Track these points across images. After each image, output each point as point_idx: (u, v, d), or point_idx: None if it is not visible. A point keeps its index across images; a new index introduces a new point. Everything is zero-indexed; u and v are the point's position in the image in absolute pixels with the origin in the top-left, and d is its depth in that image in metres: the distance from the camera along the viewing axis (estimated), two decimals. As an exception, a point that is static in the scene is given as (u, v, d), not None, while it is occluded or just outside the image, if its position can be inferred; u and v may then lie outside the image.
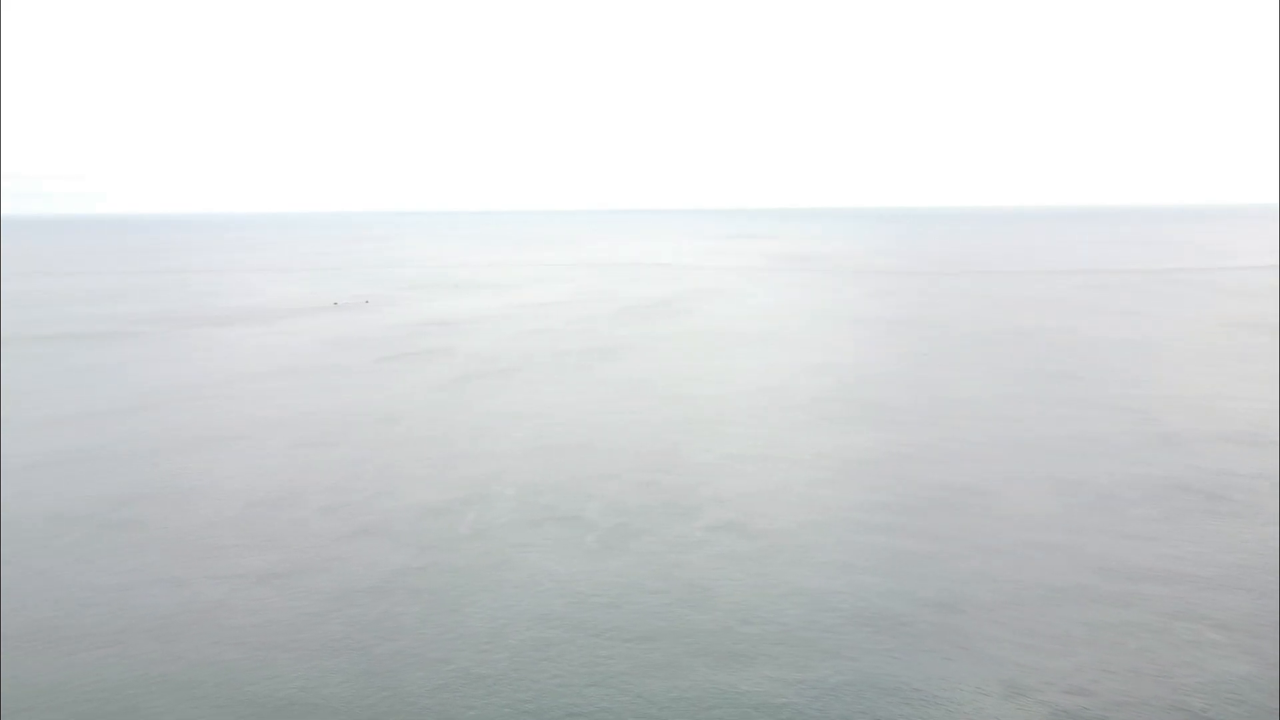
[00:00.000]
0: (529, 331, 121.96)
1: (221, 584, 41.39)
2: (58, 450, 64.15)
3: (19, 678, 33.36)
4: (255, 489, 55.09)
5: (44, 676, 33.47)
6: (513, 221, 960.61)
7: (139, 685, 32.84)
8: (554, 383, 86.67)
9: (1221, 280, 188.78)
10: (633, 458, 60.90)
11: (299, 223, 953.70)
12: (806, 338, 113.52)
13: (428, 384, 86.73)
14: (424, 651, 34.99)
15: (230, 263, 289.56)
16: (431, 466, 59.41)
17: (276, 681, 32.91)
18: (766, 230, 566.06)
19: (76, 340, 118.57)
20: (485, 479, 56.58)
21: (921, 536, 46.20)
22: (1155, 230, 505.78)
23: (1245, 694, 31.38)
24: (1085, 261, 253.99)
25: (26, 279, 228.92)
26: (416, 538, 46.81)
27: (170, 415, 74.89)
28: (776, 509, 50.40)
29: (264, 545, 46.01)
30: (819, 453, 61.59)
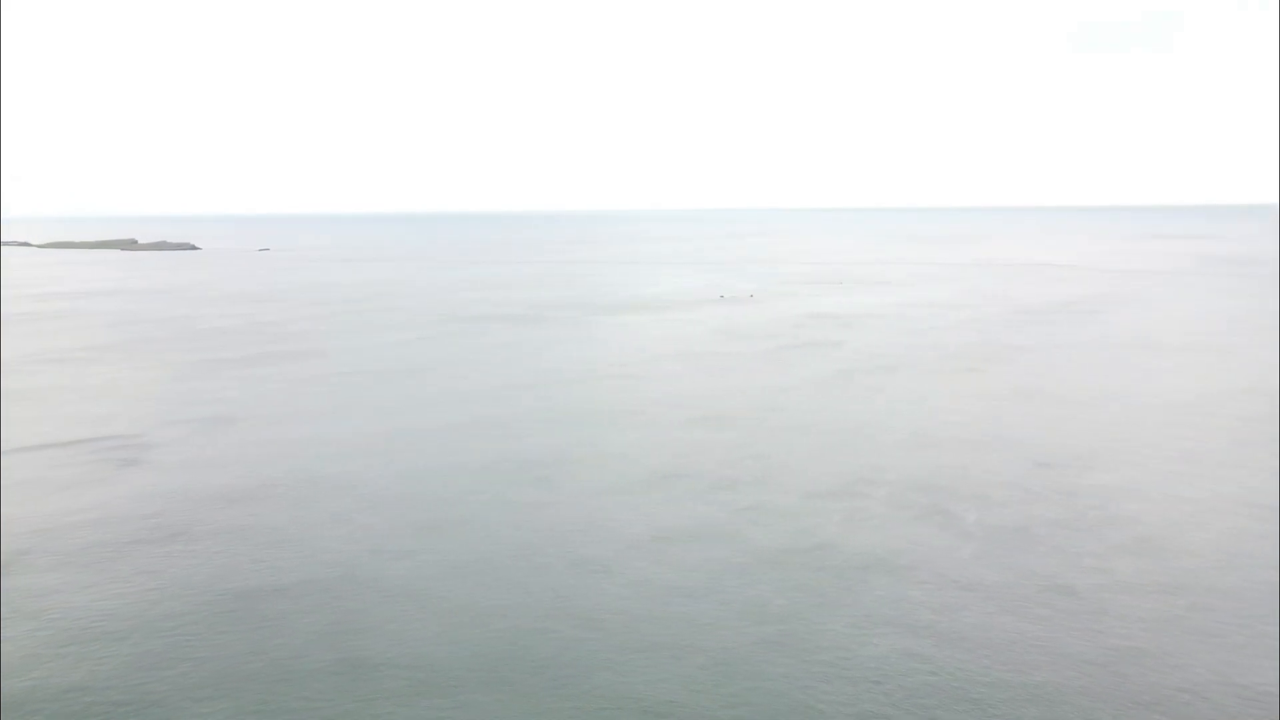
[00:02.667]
0: (916, 329, 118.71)
1: (601, 552, 44.81)
2: (478, 417, 73.00)
3: (419, 609, 38.55)
4: (645, 463, 58.97)
5: (458, 619, 38.39)
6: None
7: (523, 637, 36.56)
8: (940, 383, 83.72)
9: None
10: (1020, 467, 57.23)
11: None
12: (1240, 352, 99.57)
13: (810, 376, 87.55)
14: (785, 645, 35.40)
15: (611, 256, 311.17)
16: (809, 455, 59.98)
17: (646, 648, 35.12)
18: (1174, 230, 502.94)
19: (496, 322, 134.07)
20: (861, 472, 56.09)
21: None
22: None
23: None
24: None
25: (439, 270, 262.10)
26: (789, 525, 47.52)
27: (574, 391, 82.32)
28: (1192, 551, 44.77)
29: (648, 516, 49.15)
30: (1248, 488, 53.85)
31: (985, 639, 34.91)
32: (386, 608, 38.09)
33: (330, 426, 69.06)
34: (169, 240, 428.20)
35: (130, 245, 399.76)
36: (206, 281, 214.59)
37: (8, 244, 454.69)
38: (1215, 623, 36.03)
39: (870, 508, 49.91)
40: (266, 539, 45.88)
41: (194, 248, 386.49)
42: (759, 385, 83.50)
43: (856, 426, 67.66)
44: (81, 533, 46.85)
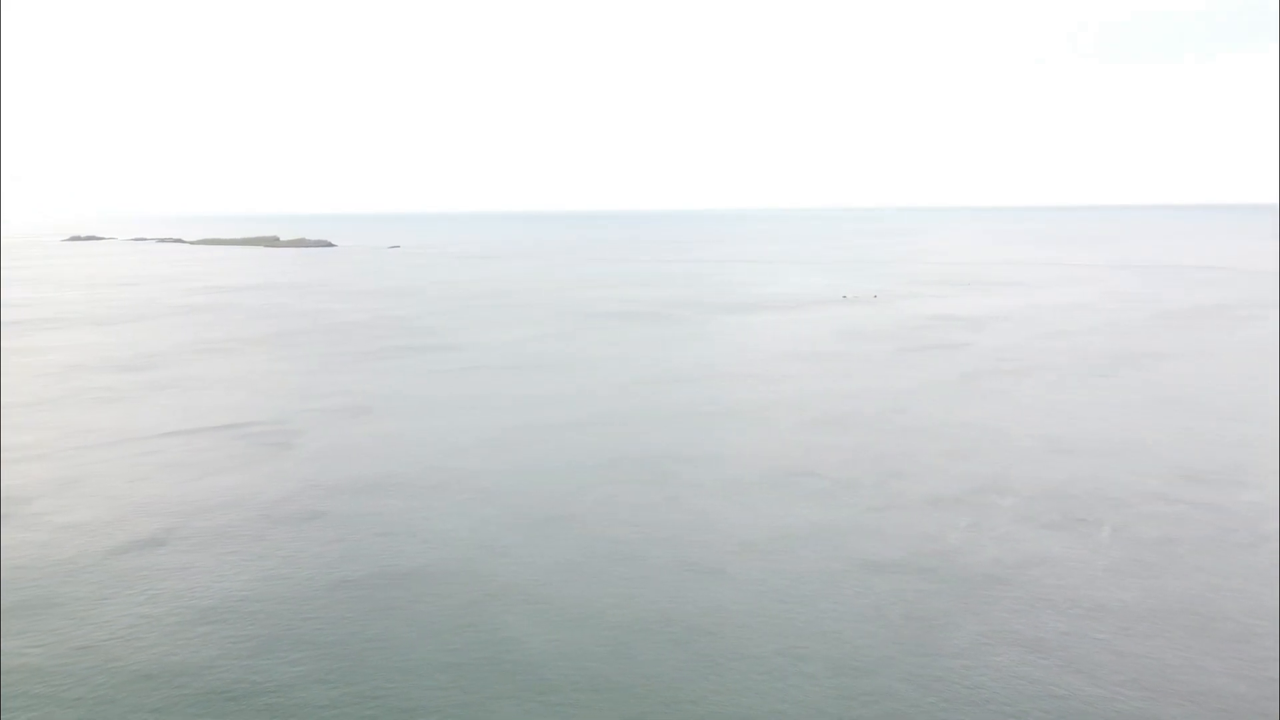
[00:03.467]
0: (1049, 332, 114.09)
1: (717, 552, 44.49)
2: (600, 413, 73.64)
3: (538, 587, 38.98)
4: (765, 463, 58.35)
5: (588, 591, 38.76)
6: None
7: (633, 639, 36.58)
8: (1073, 387, 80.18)
9: None
10: (1162, 480, 54.21)
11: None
12: None
13: (936, 378, 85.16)
14: (903, 658, 34.39)
15: (732, 255, 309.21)
16: (933, 459, 58.29)
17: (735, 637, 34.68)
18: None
19: (618, 319, 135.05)
20: (987, 479, 54.18)
21: None
22: None
23: None
24: None
25: (563, 267, 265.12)
26: (910, 531, 46.27)
27: (695, 389, 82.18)
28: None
29: (765, 517, 48.61)
30: None
31: (1118, 664, 33.19)
32: (498, 604, 38.69)
33: (457, 419, 70.89)
34: (307, 238, 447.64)
35: (273, 242, 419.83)
36: (342, 277, 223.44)
37: (161, 240, 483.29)
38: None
39: (997, 516, 48.16)
40: (390, 528, 47.37)
41: (330, 245, 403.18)
42: (882, 387, 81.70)
43: (984, 431, 65.44)
44: (223, 514, 49.35)
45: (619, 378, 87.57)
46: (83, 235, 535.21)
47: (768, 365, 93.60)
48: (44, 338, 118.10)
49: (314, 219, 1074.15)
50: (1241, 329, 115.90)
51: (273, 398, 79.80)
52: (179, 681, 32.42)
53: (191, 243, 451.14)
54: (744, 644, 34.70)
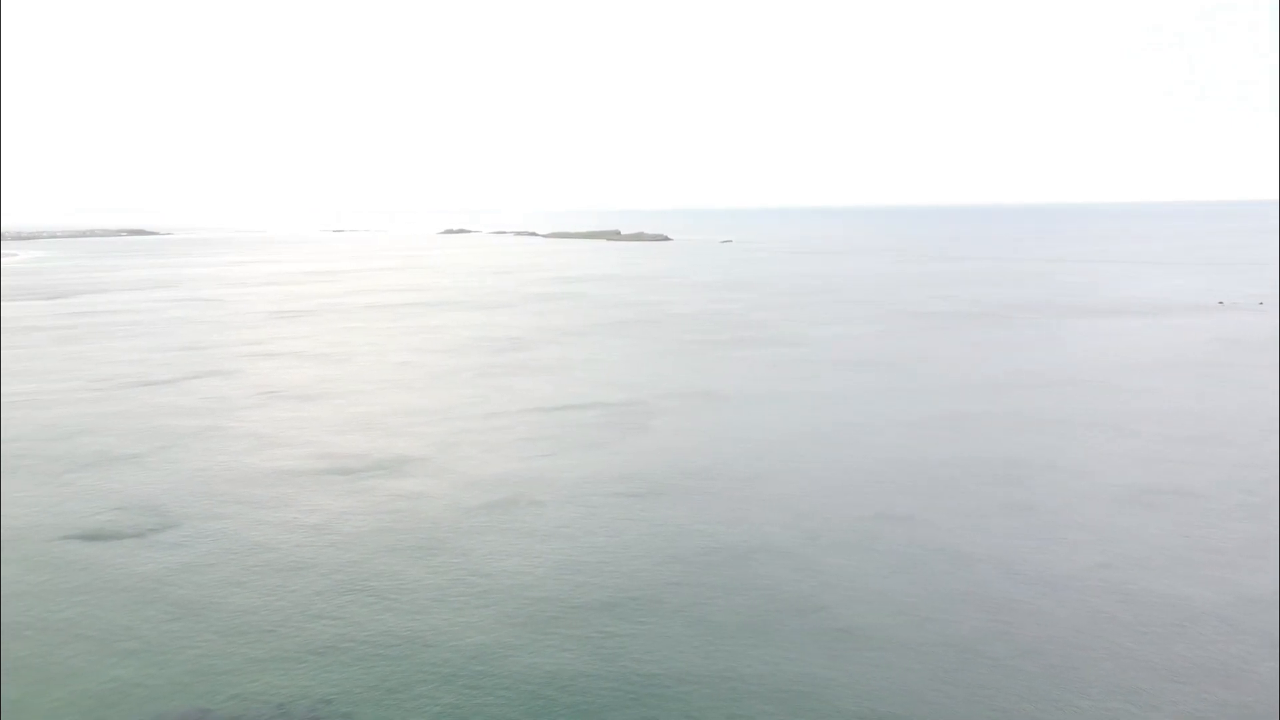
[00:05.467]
0: None
1: (1054, 570, 41.92)
2: (936, 415, 71.53)
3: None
4: (1117, 478, 54.03)
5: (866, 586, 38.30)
6: None
7: (952, 664, 35.36)
8: None
9: None
10: None
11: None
12: None
13: (1338, 399, 74.27)
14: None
15: (1083, 254, 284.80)
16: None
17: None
18: None
19: (958, 319, 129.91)
20: None
21: None
22: None
23: None
24: None
25: (894, 264, 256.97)
26: (1248, 566, 41.09)
27: (1041, 395, 77.53)
28: None
29: (1113, 537, 45.17)
30: None
31: None
32: (793, 612, 38.37)
33: (788, 412, 72.03)
34: (645, 232, 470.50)
35: (614, 236, 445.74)
36: (679, 270, 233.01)
37: (518, 234, 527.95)
38: None
39: None
40: (710, 517, 48.89)
41: (666, 239, 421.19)
42: (1271, 404, 72.59)
43: (1403, 463, 56.35)
44: (559, 488, 53.55)
45: (958, 379, 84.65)
46: (455, 229, 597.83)
47: (1129, 374, 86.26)
48: (432, 319, 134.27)
49: (650, 214, 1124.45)
50: None
51: (612, 384, 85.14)
52: (487, 644, 36.00)
53: (543, 236, 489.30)
54: (1081, 678, 32.50)
